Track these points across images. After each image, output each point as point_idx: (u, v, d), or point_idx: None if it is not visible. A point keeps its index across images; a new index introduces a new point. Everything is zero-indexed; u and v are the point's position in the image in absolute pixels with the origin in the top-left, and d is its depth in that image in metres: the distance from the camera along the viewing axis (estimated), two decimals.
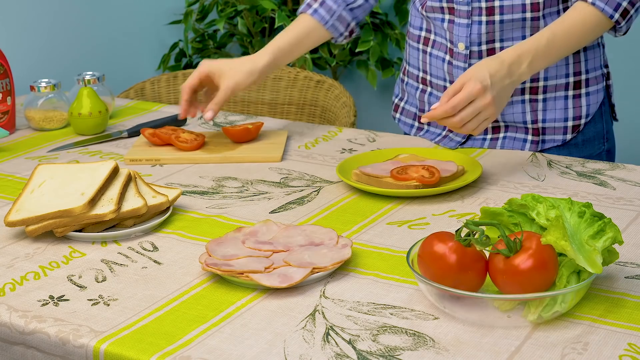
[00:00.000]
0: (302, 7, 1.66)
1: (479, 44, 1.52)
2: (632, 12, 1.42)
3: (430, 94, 1.63)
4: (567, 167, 1.47)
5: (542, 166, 1.48)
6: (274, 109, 2.22)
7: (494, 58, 1.37)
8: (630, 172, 1.44)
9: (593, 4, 1.41)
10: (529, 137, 1.57)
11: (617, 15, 1.41)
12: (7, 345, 1.05)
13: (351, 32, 1.68)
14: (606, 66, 1.60)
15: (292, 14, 2.83)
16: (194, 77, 1.60)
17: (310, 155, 1.58)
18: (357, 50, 2.78)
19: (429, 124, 1.65)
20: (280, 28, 2.86)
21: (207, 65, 1.60)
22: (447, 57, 1.56)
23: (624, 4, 1.41)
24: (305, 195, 1.39)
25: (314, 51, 2.86)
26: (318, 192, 1.40)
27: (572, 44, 1.42)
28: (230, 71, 1.59)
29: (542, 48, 1.39)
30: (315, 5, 1.64)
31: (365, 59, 2.89)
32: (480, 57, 1.53)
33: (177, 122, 1.78)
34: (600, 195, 1.35)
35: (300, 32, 1.64)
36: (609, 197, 1.34)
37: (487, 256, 1.02)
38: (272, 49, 1.62)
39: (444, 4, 1.54)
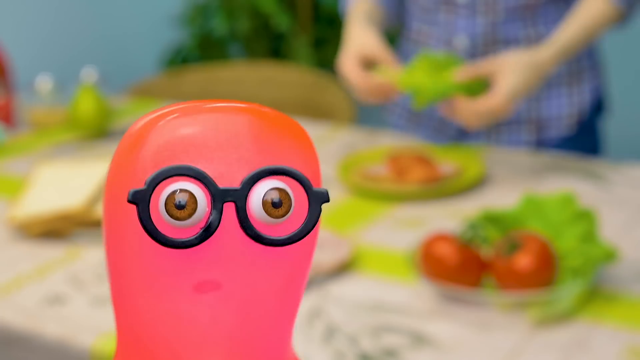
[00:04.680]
0: None
1: (481, 38, 1.52)
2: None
3: None
4: (567, 165, 1.47)
5: (542, 164, 1.48)
6: (275, 108, 2.22)
7: (528, 63, 1.37)
8: (631, 171, 1.44)
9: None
10: (529, 133, 1.57)
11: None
12: (7, 345, 1.05)
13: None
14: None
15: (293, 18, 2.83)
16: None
17: None
18: None
19: (422, 118, 1.65)
20: (282, 33, 2.86)
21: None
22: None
23: None
24: None
25: (314, 50, 2.86)
26: None
27: (591, 40, 1.45)
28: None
29: (573, 45, 1.42)
30: None
31: None
32: (482, 53, 1.52)
33: None
34: (600, 194, 1.35)
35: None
36: (609, 196, 1.34)
37: (487, 256, 1.02)
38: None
39: None
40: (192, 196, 0.35)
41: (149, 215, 0.35)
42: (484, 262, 1.01)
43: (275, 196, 0.36)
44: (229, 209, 0.36)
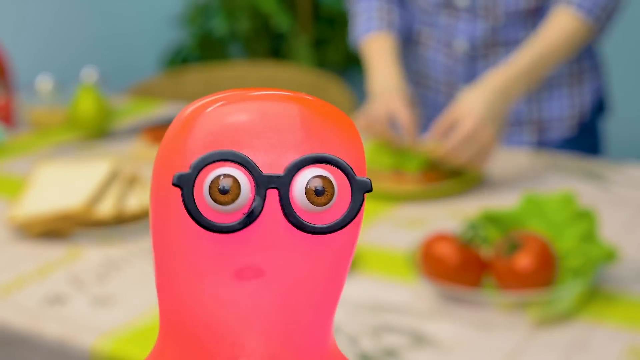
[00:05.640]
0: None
1: (481, 41, 1.52)
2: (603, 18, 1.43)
3: (426, 93, 1.63)
4: (567, 165, 1.47)
5: (543, 164, 1.48)
6: None
7: (484, 87, 1.35)
8: (631, 171, 1.44)
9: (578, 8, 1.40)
10: (530, 134, 1.57)
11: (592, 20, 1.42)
12: (7, 345, 1.05)
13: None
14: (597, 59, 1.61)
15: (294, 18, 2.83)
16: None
17: None
18: None
19: (423, 120, 1.65)
20: (282, 33, 2.86)
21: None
22: (446, 56, 1.56)
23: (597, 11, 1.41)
24: None
25: (314, 50, 2.86)
26: None
27: (562, 56, 1.41)
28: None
29: (538, 65, 1.38)
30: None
31: None
32: (482, 56, 1.52)
33: None
34: (600, 194, 1.35)
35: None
36: (609, 196, 1.34)
37: (487, 256, 1.02)
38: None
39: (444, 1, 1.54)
40: (235, 181, 0.35)
41: (193, 199, 0.35)
42: (484, 262, 1.01)
43: (318, 184, 0.36)
44: (272, 195, 0.36)
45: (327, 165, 0.37)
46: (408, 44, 1.65)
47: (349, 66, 3.09)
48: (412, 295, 1.07)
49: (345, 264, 0.38)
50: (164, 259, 0.38)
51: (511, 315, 0.99)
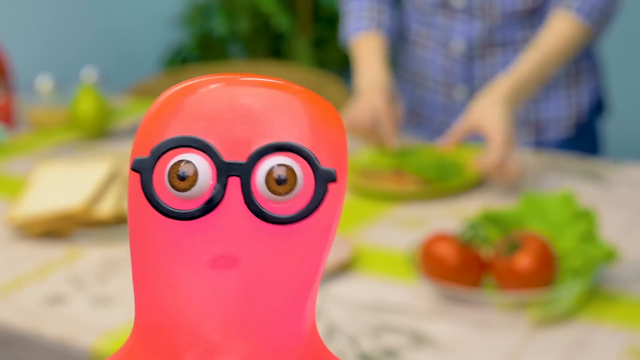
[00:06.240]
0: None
1: (478, 42, 1.52)
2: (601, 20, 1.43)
3: (424, 93, 1.63)
4: (567, 165, 1.47)
5: (542, 164, 1.48)
6: None
7: (496, 95, 1.35)
8: (631, 171, 1.44)
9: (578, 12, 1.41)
10: (528, 135, 1.57)
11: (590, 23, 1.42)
12: (7, 345, 1.05)
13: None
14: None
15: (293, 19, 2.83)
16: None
17: None
18: None
19: (422, 119, 1.65)
20: (282, 33, 2.86)
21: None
22: (443, 56, 1.56)
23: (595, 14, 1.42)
24: None
25: (314, 50, 2.86)
26: None
27: (563, 60, 1.42)
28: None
29: (540, 71, 1.40)
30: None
31: None
32: (479, 56, 1.52)
33: None
34: (600, 194, 1.35)
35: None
36: (609, 196, 1.34)
37: (487, 256, 1.02)
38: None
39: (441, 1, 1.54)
40: (195, 168, 0.35)
41: (152, 184, 0.35)
42: (484, 262, 1.01)
43: (281, 172, 0.35)
44: (235, 183, 0.35)
45: (293, 154, 0.36)
46: (405, 44, 1.65)
47: (349, 66, 3.09)
48: (412, 295, 1.07)
49: (318, 255, 0.37)
50: (135, 248, 0.37)
51: (511, 315, 0.99)
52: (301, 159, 0.36)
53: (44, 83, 1.80)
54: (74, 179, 1.31)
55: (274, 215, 0.35)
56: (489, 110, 1.34)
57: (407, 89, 1.66)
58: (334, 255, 1.13)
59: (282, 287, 0.37)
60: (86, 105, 1.73)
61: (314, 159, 0.36)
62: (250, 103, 0.36)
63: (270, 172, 0.35)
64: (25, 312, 1.06)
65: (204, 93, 0.36)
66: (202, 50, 2.95)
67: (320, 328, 1.00)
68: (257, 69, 2.25)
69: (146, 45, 2.92)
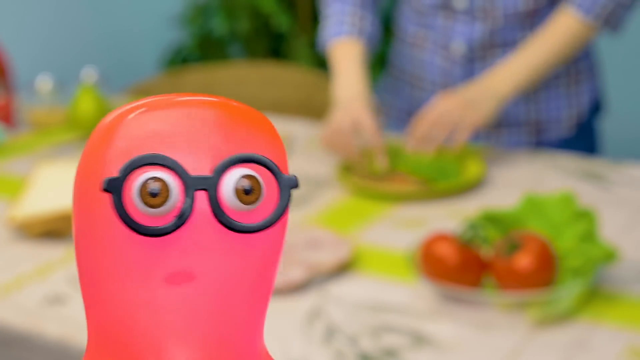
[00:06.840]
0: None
1: (479, 43, 1.52)
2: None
3: (421, 95, 1.63)
4: (567, 165, 1.47)
5: (542, 164, 1.48)
6: (276, 108, 2.22)
7: (486, 86, 1.42)
8: (631, 171, 1.44)
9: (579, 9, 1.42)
10: (528, 135, 1.57)
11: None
12: (7, 345, 1.05)
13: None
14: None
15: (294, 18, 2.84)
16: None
17: (310, 155, 1.58)
18: None
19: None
20: (282, 33, 2.87)
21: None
22: (443, 58, 1.56)
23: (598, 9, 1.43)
24: (305, 195, 1.40)
25: (314, 50, 2.86)
26: (318, 192, 1.40)
27: (562, 55, 1.44)
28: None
29: (535, 66, 1.43)
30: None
31: None
32: (479, 58, 1.52)
33: None
34: (600, 194, 1.35)
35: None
36: (609, 196, 1.34)
37: (487, 256, 1.02)
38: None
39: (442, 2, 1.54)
40: (165, 184, 0.35)
41: (122, 203, 0.35)
42: (484, 262, 1.01)
43: (246, 183, 0.36)
44: (202, 197, 0.37)
45: (253, 165, 0.37)
46: (401, 45, 1.65)
47: None
48: (412, 295, 1.07)
49: (274, 264, 0.39)
50: (91, 266, 0.37)
51: (511, 315, 0.99)
52: (262, 168, 0.37)
53: (44, 83, 1.81)
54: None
55: (244, 224, 0.37)
56: (479, 103, 1.41)
57: (404, 90, 1.66)
58: (334, 255, 1.13)
59: (246, 297, 0.38)
60: (86, 105, 1.73)
61: (276, 167, 0.37)
62: (204, 120, 0.37)
63: (235, 184, 0.36)
64: (25, 312, 1.06)
65: (155, 113, 0.37)
66: (202, 50, 2.96)
67: (320, 328, 1.00)
68: (257, 69, 2.25)
69: (146, 46, 2.92)
